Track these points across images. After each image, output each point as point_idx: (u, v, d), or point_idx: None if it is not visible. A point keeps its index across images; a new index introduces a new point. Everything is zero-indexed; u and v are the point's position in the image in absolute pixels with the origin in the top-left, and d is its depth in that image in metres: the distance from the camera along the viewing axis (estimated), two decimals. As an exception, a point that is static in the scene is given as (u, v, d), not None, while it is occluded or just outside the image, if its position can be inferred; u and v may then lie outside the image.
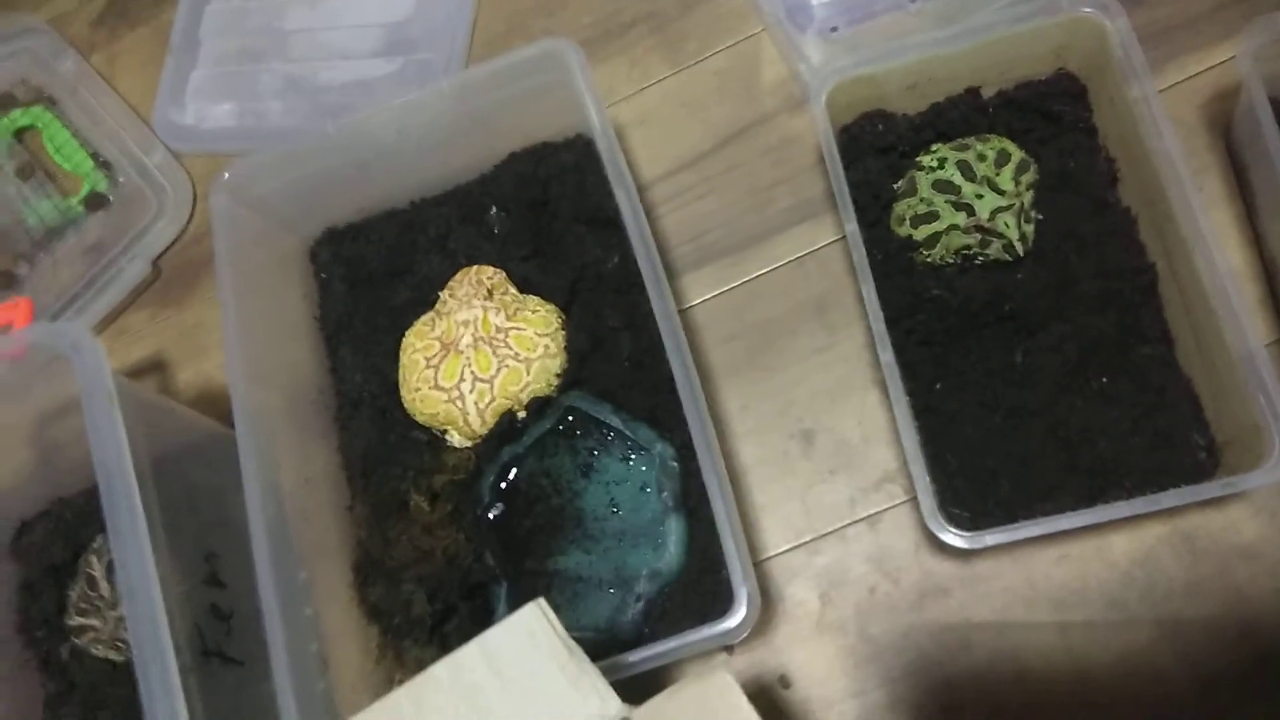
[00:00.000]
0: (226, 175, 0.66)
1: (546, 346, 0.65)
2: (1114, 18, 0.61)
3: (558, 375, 0.66)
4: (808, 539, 0.64)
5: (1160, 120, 0.58)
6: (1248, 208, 0.65)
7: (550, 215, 0.70)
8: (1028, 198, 0.64)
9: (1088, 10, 0.61)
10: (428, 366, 0.65)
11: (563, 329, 0.67)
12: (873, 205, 0.66)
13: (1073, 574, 0.60)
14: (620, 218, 0.60)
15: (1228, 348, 0.55)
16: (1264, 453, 0.52)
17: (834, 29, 0.73)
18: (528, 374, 0.65)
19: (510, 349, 0.65)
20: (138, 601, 0.52)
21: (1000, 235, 0.62)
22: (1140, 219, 0.63)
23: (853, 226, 0.61)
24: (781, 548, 0.64)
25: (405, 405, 0.67)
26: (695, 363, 0.68)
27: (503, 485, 0.64)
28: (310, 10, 0.86)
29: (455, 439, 0.66)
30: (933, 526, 0.54)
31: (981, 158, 0.64)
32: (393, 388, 0.68)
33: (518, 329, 0.65)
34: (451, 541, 0.61)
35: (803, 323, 0.69)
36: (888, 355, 0.57)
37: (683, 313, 0.70)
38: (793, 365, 0.68)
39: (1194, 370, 0.60)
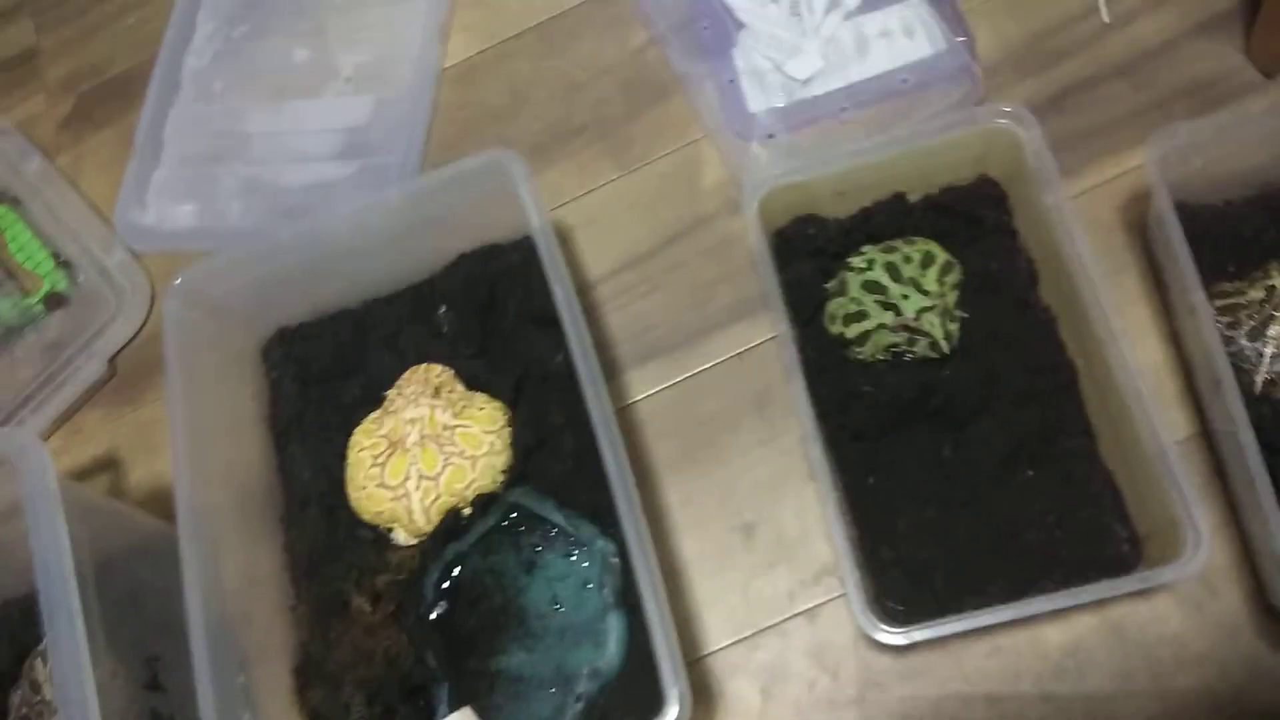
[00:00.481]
0: (179, 280, 0.68)
1: (492, 444, 0.67)
2: (1028, 129, 0.64)
3: (503, 472, 0.67)
4: (748, 633, 0.65)
5: (1072, 225, 0.61)
6: (1165, 305, 0.68)
7: (498, 314, 0.72)
8: (952, 298, 0.66)
9: (1003, 122, 0.65)
10: (374, 465, 0.67)
11: (509, 425, 0.68)
12: (807, 304, 0.68)
13: (1006, 666, 0.61)
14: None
15: (1143, 444, 0.57)
16: (1180, 547, 0.54)
17: (771, 136, 0.76)
18: (473, 471, 0.66)
19: (456, 446, 0.66)
20: (72, 713, 0.52)
21: (926, 334, 0.65)
22: (1059, 318, 0.66)
23: (783, 329, 0.63)
24: (723, 643, 0.65)
25: (351, 504, 0.68)
26: (638, 457, 0.70)
27: (446, 584, 0.64)
28: (273, 114, 0.89)
29: (401, 537, 0.67)
30: (863, 624, 0.55)
31: (908, 259, 0.67)
32: (341, 486, 0.68)
33: (464, 426, 0.66)
34: (393, 643, 0.61)
35: (743, 417, 0.70)
36: (816, 452, 0.59)
37: (626, 408, 0.72)
38: (734, 459, 0.69)
39: (1115, 464, 0.62)
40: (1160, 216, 0.62)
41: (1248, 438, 0.56)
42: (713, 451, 0.70)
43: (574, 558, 0.64)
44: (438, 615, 0.63)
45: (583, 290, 0.76)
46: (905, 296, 0.65)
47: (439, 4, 0.88)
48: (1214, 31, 0.75)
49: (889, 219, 0.70)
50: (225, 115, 0.89)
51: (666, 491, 0.69)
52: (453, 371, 0.70)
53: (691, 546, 0.68)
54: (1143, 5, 0.76)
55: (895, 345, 0.66)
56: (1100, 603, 0.61)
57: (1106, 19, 0.76)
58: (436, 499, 0.65)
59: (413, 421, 0.67)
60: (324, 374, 0.73)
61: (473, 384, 0.70)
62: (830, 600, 0.64)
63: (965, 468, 0.64)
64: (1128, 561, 0.59)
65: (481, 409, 0.68)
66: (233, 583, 0.62)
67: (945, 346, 0.65)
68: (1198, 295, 0.59)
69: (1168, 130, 0.62)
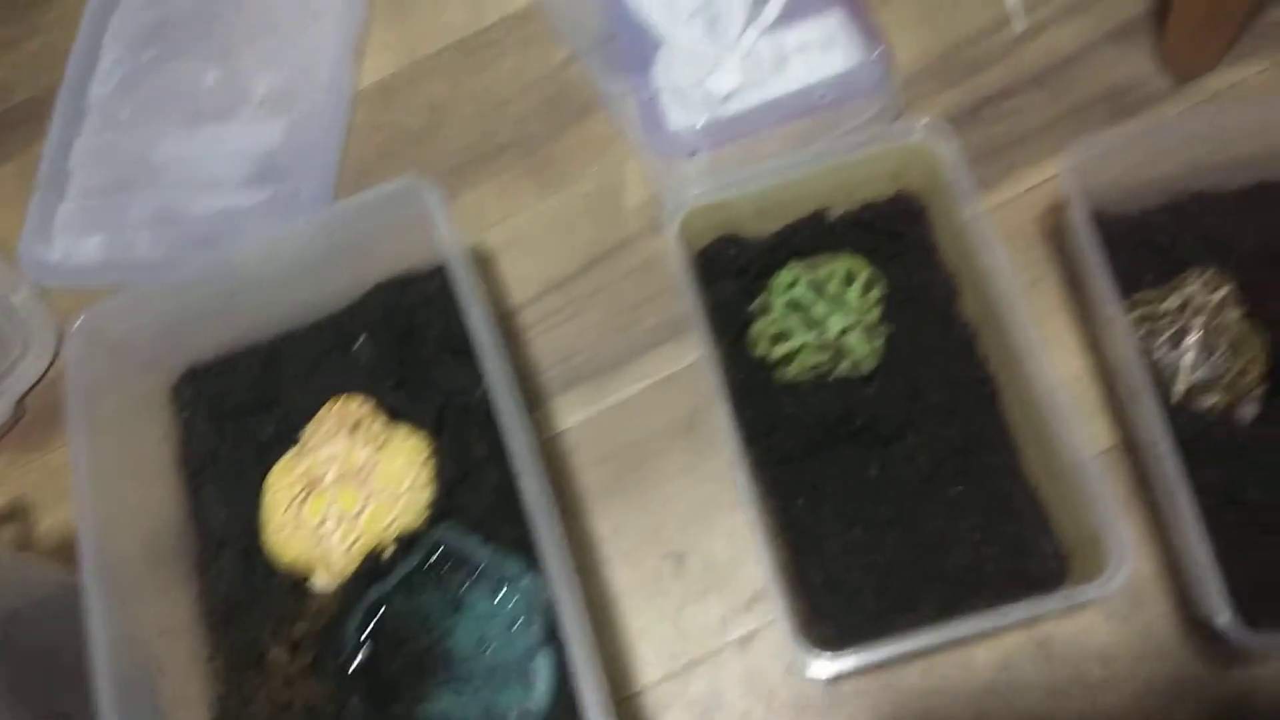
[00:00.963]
0: (81, 320, 0.65)
1: (415, 479, 0.65)
2: (944, 142, 0.64)
3: (427, 508, 0.65)
4: (681, 665, 0.63)
5: (988, 238, 0.61)
6: (1085, 314, 0.68)
7: (418, 344, 0.70)
8: (875, 314, 0.66)
9: (919, 136, 0.64)
10: (291, 506, 0.64)
11: (432, 459, 0.66)
12: (731, 325, 0.68)
13: (937, 686, 0.60)
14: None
15: (1063, 458, 0.57)
16: (1103, 562, 0.54)
17: (693, 153, 0.75)
18: (395, 508, 0.64)
19: (377, 483, 0.64)
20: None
21: (849, 352, 0.64)
22: (980, 331, 0.65)
23: (707, 352, 0.62)
24: (655, 676, 0.63)
25: (268, 547, 0.65)
26: (566, 486, 0.69)
27: (368, 629, 0.62)
28: (184, 140, 0.86)
29: (322, 581, 0.65)
30: (794, 657, 0.54)
31: (830, 276, 0.66)
32: (258, 529, 0.66)
33: (384, 462, 0.65)
34: (312, 694, 0.59)
35: (672, 442, 0.69)
36: (743, 478, 0.58)
37: (554, 436, 0.71)
38: (663, 485, 0.68)
39: (1039, 478, 0.62)
40: (1076, 228, 0.62)
41: (1167, 449, 0.56)
42: (642, 478, 0.69)
43: (502, 595, 0.62)
44: (360, 662, 0.61)
45: (507, 316, 0.75)
46: (828, 315, 0.65)
47: (353, 23, 0.85)
48: (1127, 39, 0.75)
49: (811, 236, 0.69)
50: (133, 143, 0.86)
51: (596, 521, 0.68)
52: (372, 404, 0.68)
53: (622, 577, 0.66)
54: (1057, 14, 0.76)
55: (820, 364, 0.65)
56: (1028, 619, 0.60)
57: (1019, 28, 0.76)
58: (357, 539, 0.63)
59: (330, 459, 0.65)
60: (238, 412, 0.71)
61: (394, 417, 0.68)
62: (762, 627, 0.64)
63: (892, 486, 0.64)
64: (1053, 577, 0.59)
65: (403, 443, 0.66)
66: (144, 635, 0.60)
67: (869, 364, 0.65)
68: (1113, 307, 0.60)
69: (1082, 140, 0.62)
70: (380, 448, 0.65)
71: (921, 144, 0.65)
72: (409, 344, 0.70)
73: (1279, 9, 0.75)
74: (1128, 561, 0.53)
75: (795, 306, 0.66)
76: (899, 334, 0.66)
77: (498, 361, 0.60)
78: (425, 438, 0.67)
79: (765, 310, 0.67)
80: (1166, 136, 0.66)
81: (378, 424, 0.67)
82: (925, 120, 0.64)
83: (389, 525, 0.64)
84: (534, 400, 0.72)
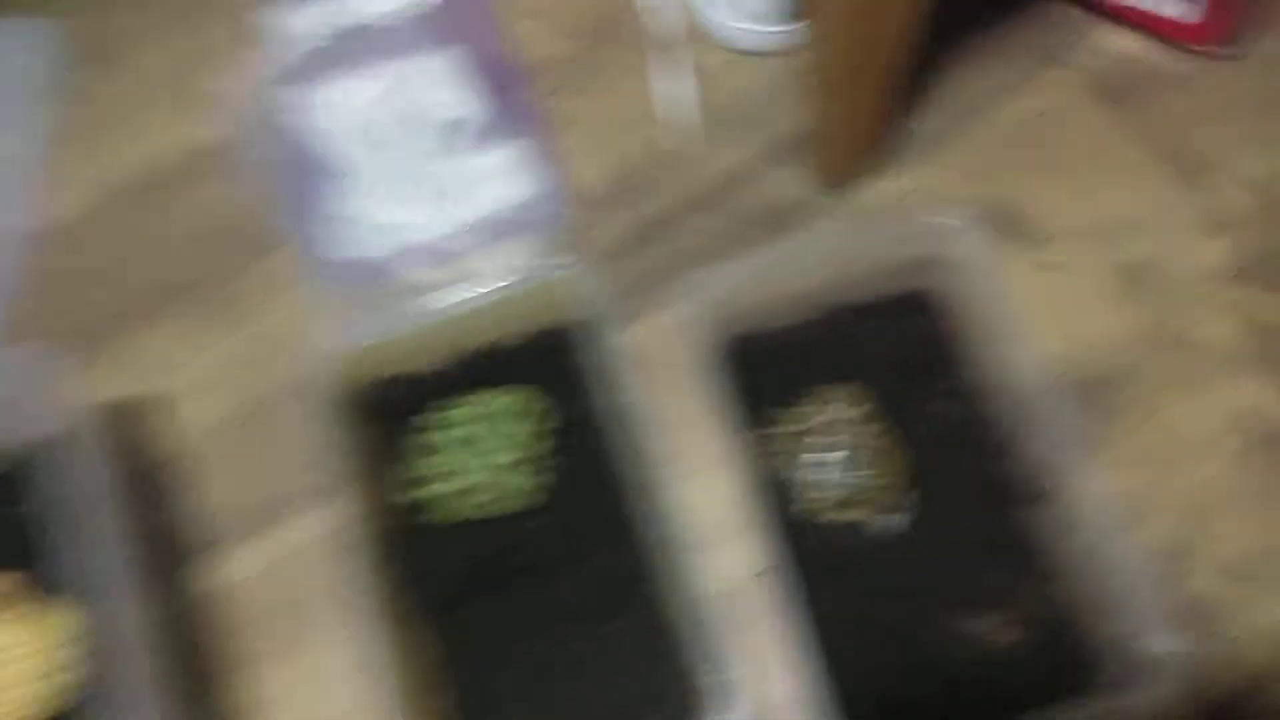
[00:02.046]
0: None
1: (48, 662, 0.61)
2: (586, 281, 0.65)
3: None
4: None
5: (622, 375, 0.62)
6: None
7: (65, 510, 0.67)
8: (542, 447, 0.66)
9: (572, 272, 0.65)
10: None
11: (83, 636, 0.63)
12: (397, 465, 0.67)
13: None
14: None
15: (689, 592, 0.57)
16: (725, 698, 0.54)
17: (367, 286, 0.75)
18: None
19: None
20: None
21: (515, 487, 0.64)
22: (637, 462, 0.66)
23: (347, 503, 0.61)
24: None
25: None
26: (218, 649, 0.66)
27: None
28: None
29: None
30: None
31: (500, 411, 0.66)
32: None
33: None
34: None
35: (335, 598, 0.66)
36: (372, 645, 0.57)
37: (210, 592, 0.68)
38: (324, 644, 0.66)
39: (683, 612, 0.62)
40: (699, 357, 0.64)
41: (779, 572, 0.58)
42: (310, 634, 0.66)
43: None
44: None
45: (174, 460, 0.72)
46: (494, 450, 0.65)
47: (31, 156, 0.82)
48: (788, 158, 0.78)
49: (481, 370, 0.69)
50: None
51: (257, 687, 0.65)
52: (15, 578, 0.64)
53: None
54: (725, 136, 0.79)
55: (487, 501, 0.65)
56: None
57: (672, 145, 0.79)
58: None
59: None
60: None
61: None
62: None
63: (556, 623, 0.63)
64: (694, 713, 0.59)
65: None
66: None
67: (536, 499, 0.65)
68: (734, 432, 0.61)
69: (710, 270, 0.64)
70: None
71: (579, 277, 0.66)
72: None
73: (915, 119, 0.79)
74: (737, 703, 0.53)
75: (463, 443, 0.65)
76: (566, 466, 0.66)
77: (115, 529, 0.57)
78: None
79: (432, 448, 0.66)
80: (802, 256, 0.68)
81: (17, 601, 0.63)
82: (574, 258, 0.65)
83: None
84: (189, 554, 0.69)
